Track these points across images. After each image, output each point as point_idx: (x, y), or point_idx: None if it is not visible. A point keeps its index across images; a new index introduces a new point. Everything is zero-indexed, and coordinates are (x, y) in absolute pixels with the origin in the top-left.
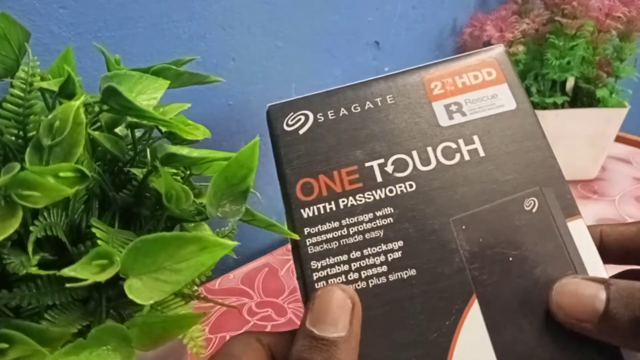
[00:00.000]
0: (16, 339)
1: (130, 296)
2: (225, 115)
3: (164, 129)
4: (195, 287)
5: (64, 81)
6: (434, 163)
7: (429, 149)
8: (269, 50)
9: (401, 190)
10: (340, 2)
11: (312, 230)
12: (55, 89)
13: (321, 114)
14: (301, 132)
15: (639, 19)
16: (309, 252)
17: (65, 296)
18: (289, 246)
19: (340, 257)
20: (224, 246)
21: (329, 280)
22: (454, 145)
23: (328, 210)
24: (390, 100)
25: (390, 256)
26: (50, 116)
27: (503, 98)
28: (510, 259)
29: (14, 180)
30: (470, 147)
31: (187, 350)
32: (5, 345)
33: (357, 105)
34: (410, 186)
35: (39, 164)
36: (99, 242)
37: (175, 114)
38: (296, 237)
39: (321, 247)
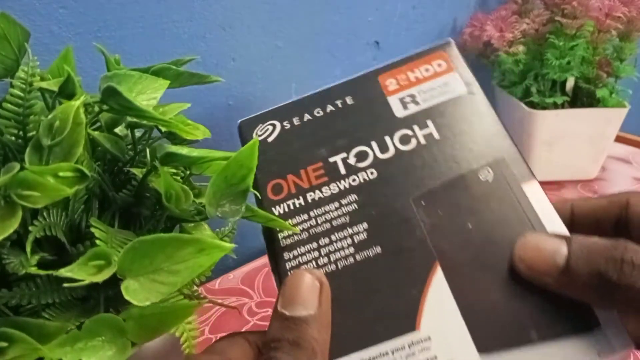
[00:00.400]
0: (15, 337)
1: (126, 297)
2: (225, 115)
3: (163, 129)
4: (195, 288)
5: (64, 81)
6: (392, 150)
7: (387, 138)
8: (269, 50)
9: (364, 179)
10: (340, 2)
11: None
12: (55, 89)
13: (287, 122)
14: (269, 140)
15: (639, 19)
16: (282, 245)
17: (64, 295)
18: None
19: (310, 245)
20: (222, 248)
21: (300, 268)
22: (410, 132)
23: (297, 205)
24: (350, 101)
25: (356, 238)
26: (50, 116)
27: (454, 85)
28: (470, 225)
29: (13, 180)
30: (426, 131)
31: (179, 347)
32: (4, 344)
33: (319, 109)
34: (372, 174)
35: (38, 163)
36: (97, 242)
37: (175, 114)
38: (296, 230)
39: (292, 239)
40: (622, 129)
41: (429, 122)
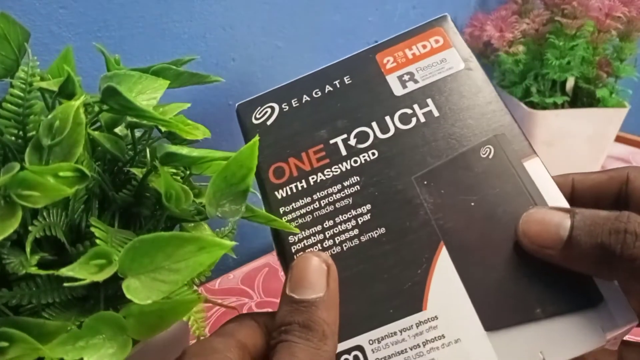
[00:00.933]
0: (16, 337)
1: (128, 296)
2: (225, 115)
3: (163, 129)
4: (195, 288)
5: (64, 81)
6: (392, 130)
7: (387, 118)
8: (269, 50)
9: (365, 160)
10: (340, 2)
11: (287, 209)
12: (55, 89)
13: (285, 104)
14: (269, 123)
15: (639, 19)
16: None
17: (64, 294)
18: None
19: (315, 228)
20: (222, 246)
21: (307, 251)
22: (409, 111)
23: (300, 188)
24: (348, 81)
25: (360, 220)
26: (50, 116)
27: (452, 61)
28: (472, 204)
29: (13, 180)
30: (425, 109)
31: (188, 331)
32: (5, 344)
33: (317, 90)
34: (373, 154)
35: (38, 163)
36: (97, 241)
37: (175, 113)
38: (297, 231)
39: (296, 223)
40: (622, 129)
41: (429, 100)
